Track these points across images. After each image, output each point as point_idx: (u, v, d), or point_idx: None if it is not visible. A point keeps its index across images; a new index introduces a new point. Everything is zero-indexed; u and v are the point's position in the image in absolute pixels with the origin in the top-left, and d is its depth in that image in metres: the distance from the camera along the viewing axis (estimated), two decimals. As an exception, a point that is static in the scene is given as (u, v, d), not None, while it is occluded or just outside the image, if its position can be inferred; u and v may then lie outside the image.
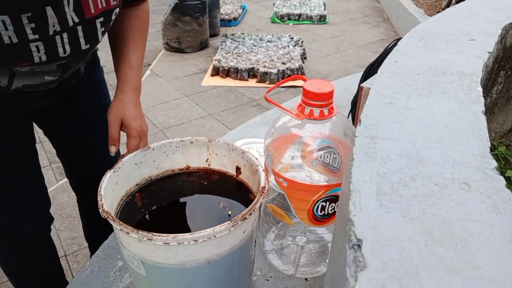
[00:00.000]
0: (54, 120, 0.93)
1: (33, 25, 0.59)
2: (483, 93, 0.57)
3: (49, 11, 0.60)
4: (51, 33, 0.62)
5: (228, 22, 4.59)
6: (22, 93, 0.74)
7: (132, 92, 0.80)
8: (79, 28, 0.66)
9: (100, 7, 0.67)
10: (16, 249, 0.93)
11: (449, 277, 0.29)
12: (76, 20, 0.65)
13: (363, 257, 0.30)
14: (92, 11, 0.66)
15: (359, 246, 0.31)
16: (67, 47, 0.67)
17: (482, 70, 0.65)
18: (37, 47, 0.62)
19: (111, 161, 1.08)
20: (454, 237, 0.32)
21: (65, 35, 0.65)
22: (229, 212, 0.62)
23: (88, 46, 0.71)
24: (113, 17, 0.72)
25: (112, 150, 0.73)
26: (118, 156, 1.07)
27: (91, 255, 1.20)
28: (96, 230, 1.22)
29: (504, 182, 0.38)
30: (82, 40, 0.68)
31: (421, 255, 0.30)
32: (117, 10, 0.72)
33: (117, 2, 0.70)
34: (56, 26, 0.62)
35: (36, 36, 0.61)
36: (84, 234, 1.29)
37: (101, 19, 0.69)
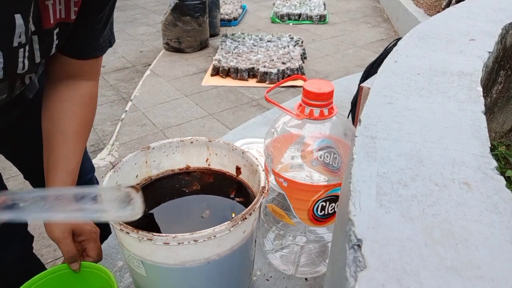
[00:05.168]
0: (14, 142, 0.84)
1: None
2: (483, 93, 0.57)
3: (19, 19, 0.51)
4: (15, 44, 0.53)
5: (228, 22, 4.59)
6: None
7: None
8: (35, 38, 0.58)
9: (58, 17, 0.59)
10: None
11: (449, 277, 0.29)
12: (33, 28, 0.56)
13: (363, 257, 0.30)
14: (52, 21, 0.58)
15: (359, 246, 0.31)
16: (26, 62, 0.58)
17: (482, 70, 0.65)
18: None
19: (82, 178, 0.90)
20: (454, 237, 0.32)
21: (27, 48, 0.56)
22: (233, 214, 0.62)
23: (40, 59, 0.62)
24: (67, 33, 0.64)
25: (76, 267, 0.62)
26: (92, 173, 0.97)
27: None
28: None
29: (504, 182, 0.38)
30: (37, 53, 0.60)
31: (421, 255, 0.30)
32: (71, 26, 0.63)
33: (74, 19, 0.62)
34: (22, 37, 0.53)
35: None
36: None
37: (57, 29, 0.60)
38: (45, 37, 0.59)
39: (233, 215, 0.61)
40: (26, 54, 0.57)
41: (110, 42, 0.73)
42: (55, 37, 0.60)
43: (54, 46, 0.62)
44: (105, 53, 0.72)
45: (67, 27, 0.62)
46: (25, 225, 0.90)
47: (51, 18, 0.57)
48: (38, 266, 0.95)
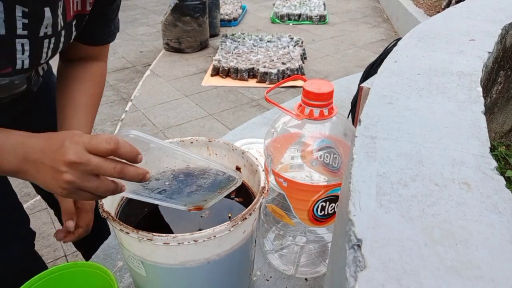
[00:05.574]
0: None
1: (26, 21, 0.55)
2: (483, 93, 0.57)
3: (47, 12, 0.57)
4: (41, 34, 0.58)
5: (228, 22, 4.59)
6: None
7: None
8: (62, 32, 0.63)
9: (75, 9, 0.64)
10: None
11: (449, 277, 0.29)
12: (62, 24, 0.61)
13: (363, 257, 0.30)
14: (71, 14, 0.63)
15: (359, 246, 0.31)
16: (49, 53, 0.63)
17: (482, 70, 0.65)
18: (22, 45, 0.57)
19: None
20: (454, 237, 0.32)
21: (52, 40, 0.61)
22: (229, 214, 0.62)
23: (61, 50, 0.67)
24: (82, 24, 0.69)
25: (70, 224, 0.67)
26: None
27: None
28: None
29: (504, 182, 0.38)
30: (61, 45, 0.65)
31: (421, 255, 0.30)
32: (87, 17, 0.70)
33: (89, 10, 0.67)
34: (48, 28, 0.59)
35: (25, 33, 0.56)
36: (72, 243, 1.25)
37: (74, 21, 0.65)
38: (67, 30, 0.64)
39: (230, 216, 0.62)
40: (51, 45, 0.62)
41: (118, 28, 0.80)
42: (74, 29, 0.66)
43: (73, 37, 0.68)
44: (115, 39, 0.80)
45: (83, 18, 0.67)
46: (26, 223, 0.91)
47: (71, 11, 0.63)
48: (39, 265, 0.96)
